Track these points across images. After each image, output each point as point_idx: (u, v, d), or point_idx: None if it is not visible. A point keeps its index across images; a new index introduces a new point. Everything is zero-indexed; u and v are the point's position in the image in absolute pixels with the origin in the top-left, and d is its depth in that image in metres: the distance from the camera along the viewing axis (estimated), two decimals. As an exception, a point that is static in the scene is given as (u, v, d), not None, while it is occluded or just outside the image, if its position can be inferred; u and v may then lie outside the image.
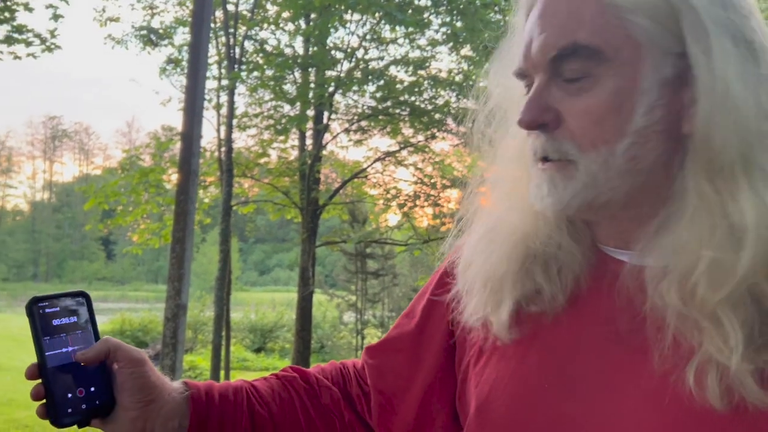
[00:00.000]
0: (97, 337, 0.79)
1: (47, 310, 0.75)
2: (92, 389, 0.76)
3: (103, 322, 19.14)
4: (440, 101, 10.29)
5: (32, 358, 0.75)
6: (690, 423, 0.59)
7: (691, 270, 0.59)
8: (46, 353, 0.74)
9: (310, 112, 10.71)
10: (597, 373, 0.65)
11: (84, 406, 0.76)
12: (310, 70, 10.37)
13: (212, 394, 0.84)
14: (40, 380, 0.75)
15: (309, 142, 11.43)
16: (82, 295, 0.79)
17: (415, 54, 10.41)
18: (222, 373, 9.92)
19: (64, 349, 0.76)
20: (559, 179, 0.66)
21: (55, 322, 0.76)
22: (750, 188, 0.58)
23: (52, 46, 8.17)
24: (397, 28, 9.97)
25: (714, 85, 0.60)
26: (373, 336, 16.33)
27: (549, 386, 0.67)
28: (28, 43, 8.08)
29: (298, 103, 9.95)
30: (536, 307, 0.72)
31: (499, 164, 0.78)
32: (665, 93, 0.62)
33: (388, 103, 10.34)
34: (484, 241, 0.77)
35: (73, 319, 0.77)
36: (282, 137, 11.26)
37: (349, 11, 9.55)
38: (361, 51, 10.47)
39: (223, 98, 10.62)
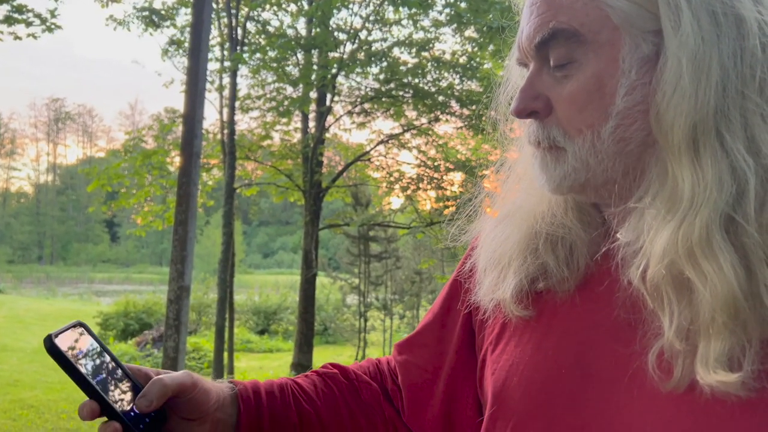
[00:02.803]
0: (112, 357, 0.75)
1: (63, 347, 0.70)
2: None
3: (107, 304, 19.24)
4: (444, 83, 10.22)
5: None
6: (673, 412, 0.58)
7: (646, 250, 0.60)
8: (105, 395, 0.69)
9: (313, 94, 10.65)
10: (613, 358, 0.64)
11: (147, 420, 0.73)
12: (312, 51, 10.28)
13: (259, 392, 0.84)
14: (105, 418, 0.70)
15: (312, 124, 11.39)
16: (79, 324, 0.75)
17: (419, 35, 10.31)
18: (225, 354, 9.98)
19: (100, 376, 0.71)
20: (549, 161, 0.68)
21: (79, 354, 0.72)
22: (695, 165, 0.58)
23: (53, 26, 8.12)
24: (401, 8, 9.87)
25: (672, 63, 0.59)
26: (376, 318, 16.40)
27: (566, 371, 0.66)
28: (29, 23, 8.02)
29: (300, 85, 9.89)
30: (543, 284, 0.72)
31: (517, 147, 0.79)
32: (645, 72, 0.62)
33: (392, 86, 10.27)
34: (502, 225, 0.77)
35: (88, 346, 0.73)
36: (285, 119, 11.21)
37: (352, -8, 9.45)
38: (364, 32, 10.38)
39: (226, 80, 10.57)
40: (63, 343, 0.70)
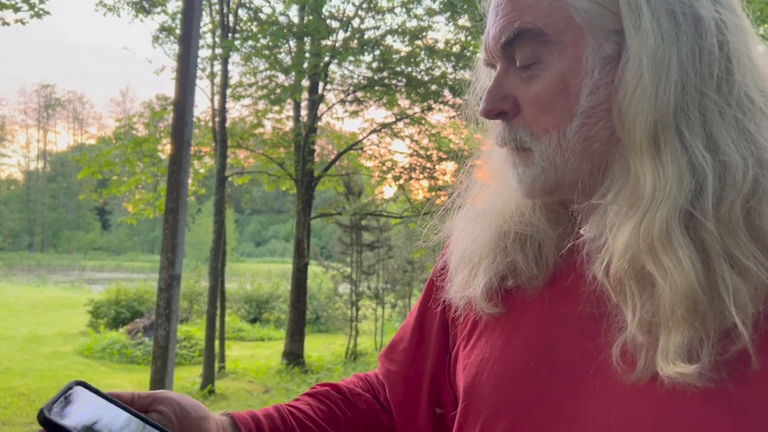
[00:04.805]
0: (126, 409, 0.66)
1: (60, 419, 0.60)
2: None
3: (98, 292, 19.18)
4: (437, 72, 10.19)
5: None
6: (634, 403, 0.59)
7: (609, 245, 0.61)
8: None
9: (305, 82, 10.60)
10: (579, 351, 0.65)
11: None
12: (305, 39, 10.22)
13: (256, 415, 0.84)
14: None
15: (304, 113, 11.33)
16: (77, 384, 0.65)
17: (412, 24, 10.27)
18: (217, 343, 9.98)
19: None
20: (519, 164, 0.69)
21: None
22: (656, 162, 0.59)
23: (41, 12, 8.02)
24: (394, -4, 9.81)
25: (633, 62, 0.60)
26: (368, 307, 16.43)
27: (534, 365, 0.67)
28: (17, 9, 7.93)
29: (292, 73, 9.84)
30: (512, 282, 0.73)
31: (490, 142, 0.79)
32: (608, 71, 0.63)
33: (384, 74, 10.23)
34: (473, 224, 0.78)
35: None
36: (277, 108, 11.16)
37: (345, -21, 9.38)
38: (357, 20, 10.32)
39: (217, 67, 10.50)
40: (60, 413, 0.60)
